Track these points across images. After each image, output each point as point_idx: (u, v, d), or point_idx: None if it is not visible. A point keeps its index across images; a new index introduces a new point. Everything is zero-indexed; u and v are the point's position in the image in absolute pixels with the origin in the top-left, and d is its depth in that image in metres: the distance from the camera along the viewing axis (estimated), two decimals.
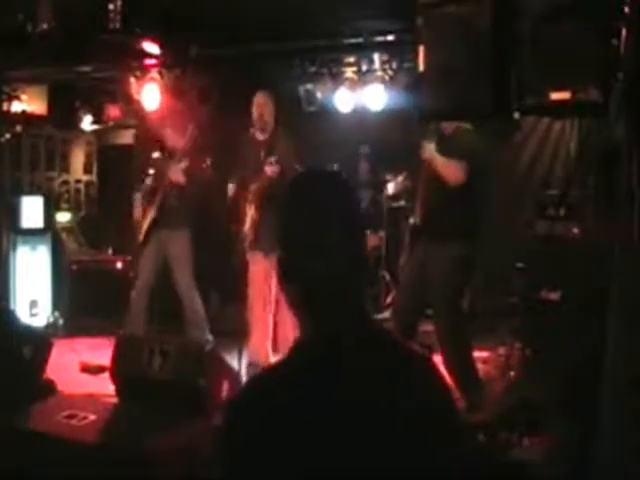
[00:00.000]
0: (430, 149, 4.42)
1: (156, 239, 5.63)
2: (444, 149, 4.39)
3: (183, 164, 5.50)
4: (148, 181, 5.73)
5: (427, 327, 4.94)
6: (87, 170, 8.82)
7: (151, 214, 5.66)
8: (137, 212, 5.96)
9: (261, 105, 5.23)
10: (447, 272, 4.36)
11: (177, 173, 5.48)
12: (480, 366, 4.83)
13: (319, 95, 6.69)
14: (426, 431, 1.27)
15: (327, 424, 1.22)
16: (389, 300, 6.85)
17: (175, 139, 5.64)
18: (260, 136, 5.26)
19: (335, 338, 1.29)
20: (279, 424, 1.22)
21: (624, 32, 2.71)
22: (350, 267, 1.32)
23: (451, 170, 4.35)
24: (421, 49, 3.32)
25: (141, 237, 5.69)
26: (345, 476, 1.21)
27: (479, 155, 4.46)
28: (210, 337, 5.55)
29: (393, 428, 1.24)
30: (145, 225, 5.68)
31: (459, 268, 4.40)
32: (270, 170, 4.95)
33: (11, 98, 7.06)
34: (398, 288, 4.88)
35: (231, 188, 5.28)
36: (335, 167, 6.60)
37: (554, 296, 4.89)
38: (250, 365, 5.04)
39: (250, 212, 5.12)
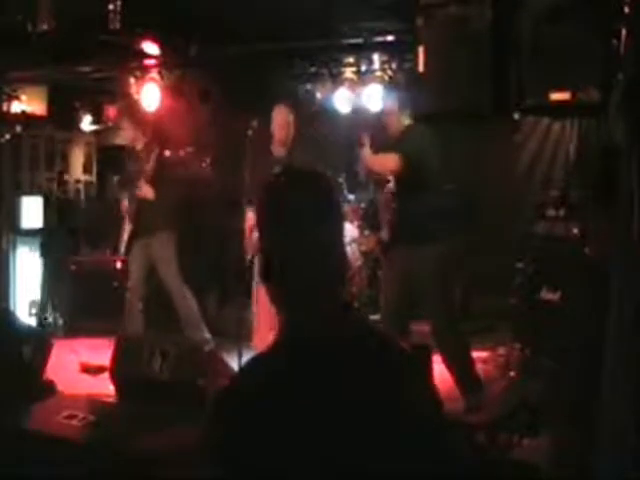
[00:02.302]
0: (363, 154, 4.53)
1: (139, 244, 5.64)
2: (392, 150, 4.45)
3: (150, 167, 5.43)
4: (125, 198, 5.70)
5: (426, 327, 4.93)
6: (87, 170, 8.82)
7: (129, 226, 5.65)
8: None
9: (282, 120, 5.09)
10: (429, 274, 4.36)
11: (144, 189, 5.46)
12: (480, 366, 4.82)
13: (319, 95, 6.69)
14: (409, 427, 1.27)
15: (311, 416, 1.24)
16: None
17: (133, 137, 5.63)
18: (280, 151, 5.13)
19: (313, 332, 1.31)
20: (265, 416, 1.24)
21: (624, 32, 2.71)
22: (327, 262, 1.34)
23: (379, 161, 4.45)
24: (421, 49, 3.32)
25: (122, 249, 5.69)
26: (327, 466, 1.22)
27: (429, 151, 4.43)
28: (208, 335, 5.54)
29: (376, 422, 1.25)
30: (125, 236, 5.67)
31: (440, 270, 4.39)
32: None
33: (11, 98, 7.06)
34: (383, 299, 4.86)
35: (250, 217, 5.07)
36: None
37: (554, 296, 4.89)
38: None
39: None
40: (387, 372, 1.30)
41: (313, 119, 6.92)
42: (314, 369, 1.27)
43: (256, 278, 5.18)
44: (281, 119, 5.10)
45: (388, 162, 4.43)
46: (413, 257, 4.41)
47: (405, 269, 4.47)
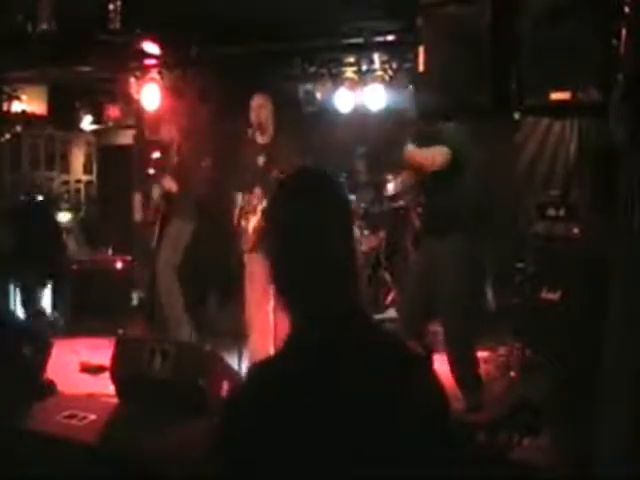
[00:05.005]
0: (408, 149, 4.40)
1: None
2: (428, 145, 4.34)
3: (174, 162, 5.48)
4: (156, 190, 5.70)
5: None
6: (87, 170, 8.83)
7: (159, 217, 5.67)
8: (137, 213, 5.95)
9: (259, 107, 5.15)
10: (449, 269, 4.32)
11: (169, 183, 5.49)
12: (480, 366, 4.82)
13: (319, 95, 6.69)
14: (415, 427, 1.27)
15: (316, 419, 1.24)
16: (389, 300, 6.86)
17: (169, 137, 5.66)
18: (260, 139, 5.20)
19: (324, 335, 1.30)
20: (271, 419, 1.24)
21: (624, 32, 2.71)
22: (338, 265, 1.33)
23: (429, 156, 4.30)
24: (421, 49, 3.32)
25: (154, 242, 5.68)
26: (336, 469, 1.22)
27: (465, 147, 4.36)
28: (189, 329, 5.49)
29: (382, 423, 1.25)
30: (156, 230, 5.67)
31: (461, 264, 4.34)
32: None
33: (11, 98, 7.07)
34: (403, 291, 4.84)
35: (239, 199, 5.22)
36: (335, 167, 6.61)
37: (554, 296, 4.89)
38: None
39: (255, 217, 5.09)
40: (396, 374, 1.30)
41: (312, 119, 6.94)
42: (323, 372, 1.27)
43: (247, 278, 5.19)
44: (257, 105, 5.17)
45: (437, 156, 4.26)
46: (439, 250, 4.34)
47: (429, 263, 4.42)
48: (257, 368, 1.39)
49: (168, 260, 5.56)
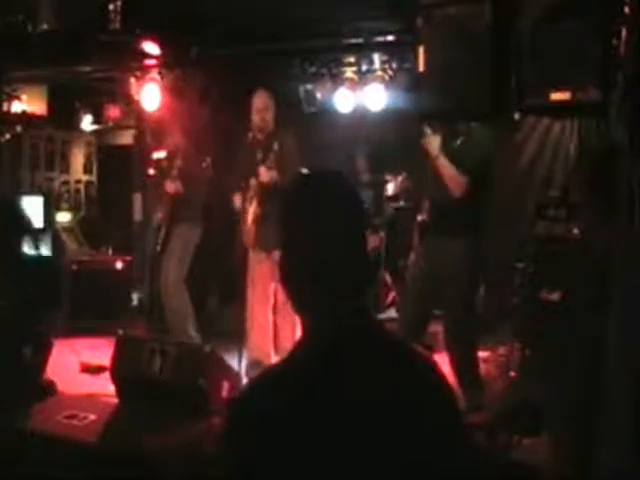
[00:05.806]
0: (435, 147, 4.26)
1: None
2: (454, 154, 4.26)
3: (179, 164, 5.48)
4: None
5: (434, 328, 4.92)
6: (87, 170, 8.83)
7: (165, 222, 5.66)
8: (137, 213, 5.93)
9: (261, 104, 5.18)
10: (455, 269, 4.30)
11: (173, 184, 5.49)
12: (480, 366, 4.82)
13: (319, 95, 6.69)
14: (427, 430, 1.27)
15: (328, 422, 1.23)
16: (389, 300, 6.86)
17: (173, 140, 5.66)
18: (259, 136, 5.23)
19: (335, 336, 1.30)
20: (280, 423, 1.24)
21: (624, 32, 2.71)
22: (351, 266, 1.33)
23: (456, 183, 4.23)
24: (421, 49, 3.33)
25: (159, 246, 5.66)
26: (346, 472, 1.22)
27: (489, 160, 4.35)
28: (195, 333, 5.48)
29: (394, 426, 1.25)
30: (162, 231, 5.65)
31: (467, 265, 4.33)
32: (266, 175, 4.95)
33: (11, 98, 7.07)
34: (403, 290, 4.80)
35: (237, 200, 5.24)
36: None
37: (554, 296, 4.89)
38: (252, 365, 5.03)
39: (252, 208, 5.09)
40: (403, 374, 1.30)
41: (312, 119, 6.94)
42: (329, 374, 1.27)
43: (249, 278, 5.19)
44: (260, 102, 5.19)
45: (458, 185, 4.21)
46: (441, 248, 4.33)
47: (432, 260, 4.39)
48: (264, 371, 1.39)
49: (179, 261, 5.55)
